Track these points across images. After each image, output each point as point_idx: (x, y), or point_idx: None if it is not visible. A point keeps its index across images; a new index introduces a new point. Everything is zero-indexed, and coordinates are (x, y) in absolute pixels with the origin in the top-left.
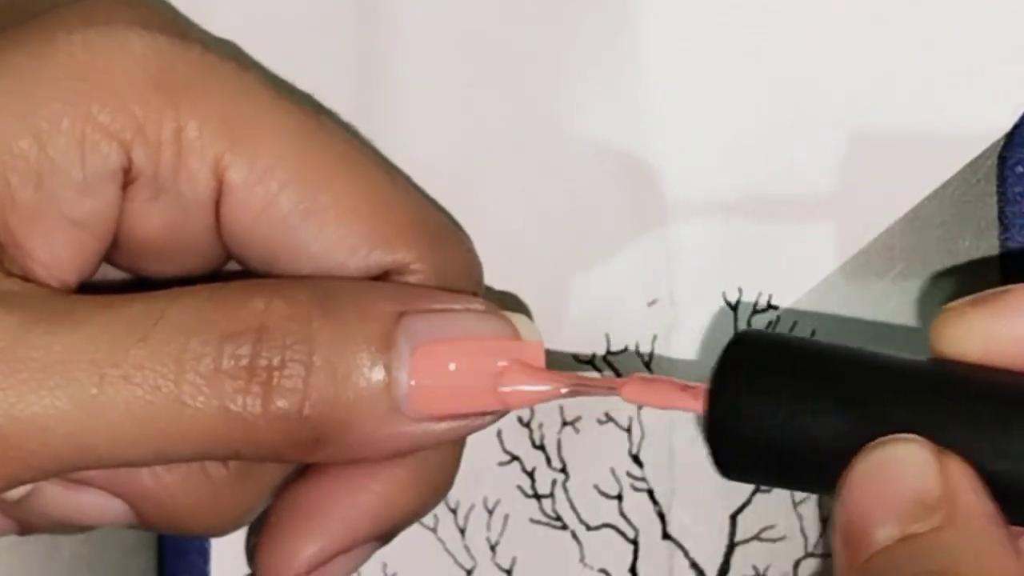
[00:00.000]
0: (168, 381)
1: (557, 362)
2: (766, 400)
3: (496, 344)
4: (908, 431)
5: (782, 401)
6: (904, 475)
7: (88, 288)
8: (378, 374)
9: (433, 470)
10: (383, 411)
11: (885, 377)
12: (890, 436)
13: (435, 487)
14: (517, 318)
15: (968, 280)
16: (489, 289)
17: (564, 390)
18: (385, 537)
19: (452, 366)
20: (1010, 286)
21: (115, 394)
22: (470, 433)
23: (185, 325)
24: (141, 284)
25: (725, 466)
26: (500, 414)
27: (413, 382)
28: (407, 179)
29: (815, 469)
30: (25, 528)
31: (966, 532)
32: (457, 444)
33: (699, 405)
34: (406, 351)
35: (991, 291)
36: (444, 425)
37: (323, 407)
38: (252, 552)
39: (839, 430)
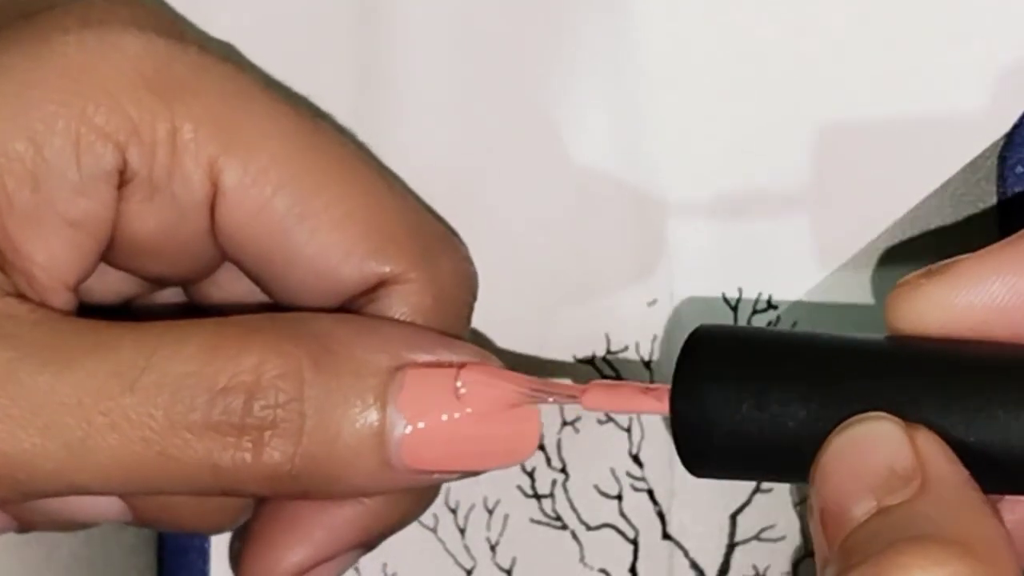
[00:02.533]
0: (155, 434)
1: (557, 362)
2: (728, 394)
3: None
4: (874, 410)
5: (745, 394)
6: (875, 450)
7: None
8: (371, 432)
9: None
10: (374, 468)
11: (847, 359)
12: (858, 416)
13: (421, 498)
14: (513, 376)
15: None
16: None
17: (529, 392)
18: (370, 545)
19: (444, 418)
20: (962, 256)
21: (102, 440)
22: (462, 479)
23: (174, 375)
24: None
25: (694, 465)
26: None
27: (406, 439)
28: (403, 185)
29: (785, 458)
30: (24, 525)
31: (942, 498)
32: None
33: (663, 406)
34: (400, 408)
35: (943, 262)
36: (435, 475)
37: (312, 465)
38: (236, 559)
39: (805, 417)
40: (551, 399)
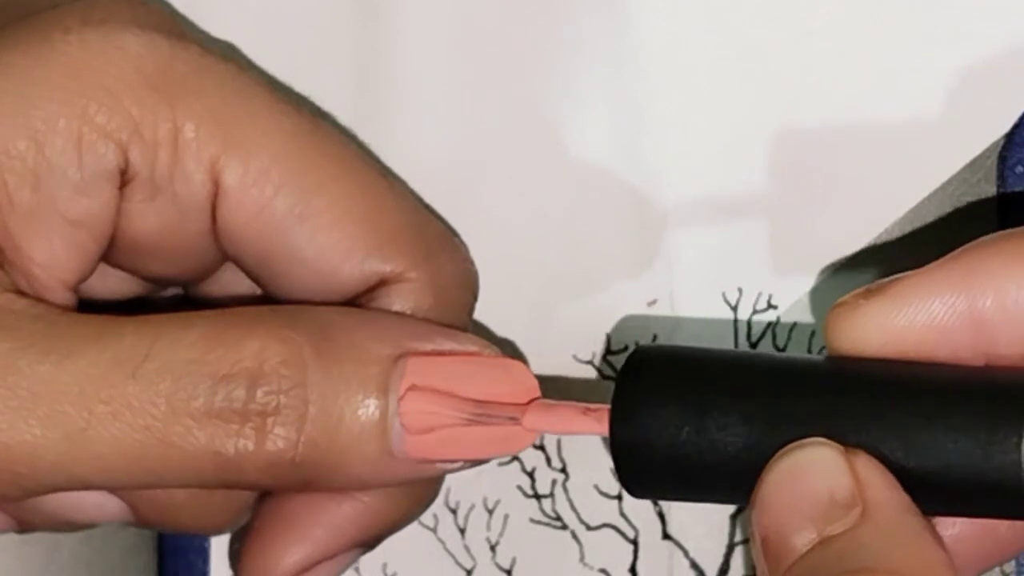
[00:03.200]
0: (158, 421)
1: (557, 363)
2: (667, 417)
3: (490, 390)
4: (814, 434)
5: (684, 417)
6: (815, 478)
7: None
8: (372, 420)
9: (420, 481)
10: (376, 456)
11: (786, 381)
12: (796, 442)
13: (421, 497)
14: (512, 364)
15: None
16: (483, 324)
17: (468, 416)
18: (370, 544)
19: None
20: (902, 274)
21: (103, 430)
22: (463, 469)
23: (177, 363)
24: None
25: (633, 486)
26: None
27: (407, 427)
28: (404, 185)
29: (725, 482)
30: (24, 526)
31: (883, 527)
32: None
33: (603, 428)
34: (401, 396)
35: (882, 281)
36: (437, 465)
37: (315, 454)
38: (235, 558)
39: (745, 441)
40: (490, 421)
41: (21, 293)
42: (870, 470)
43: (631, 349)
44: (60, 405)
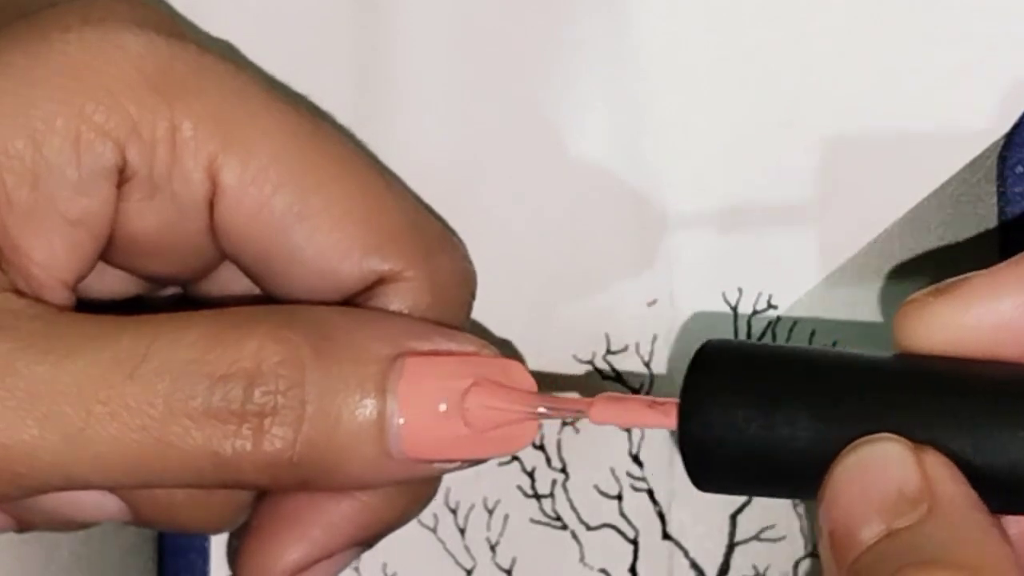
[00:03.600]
0: (155, 422)
1: (557, 363)
2: (736, 413)
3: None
4: (882, 430)
5: (752, 413)
6: (883, 473)
7: (87, 292)
8: (370, 420)
9: (418, 481)
10: (374, 456)
11: (855, 378)
12: (866, 437)
13: (420, 496)
14: (510, 364)
15: None
16: (483, 324)
17: (536, 410)
18: (368, 543)
19: (443, 408)
20: (971, 274)
21: (101, 430)
22: (460, 469)
23: (175, 363)
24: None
25: (700, 480)
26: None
27: (405, 427)
28: (402, 184)
29: (792, 477)
30: (23, 525)
31: (949, 521)
32: None
33: (671, 421)
34: (399, 396)
35: (951, 280)
36: (434, 465)
37: (313, 453)
38: (234, 557)
39: (813, 437)
40: (557, 415)
41: (19, 293)
42: (938, 466)
43: (631, 348)
44: (58, 405)
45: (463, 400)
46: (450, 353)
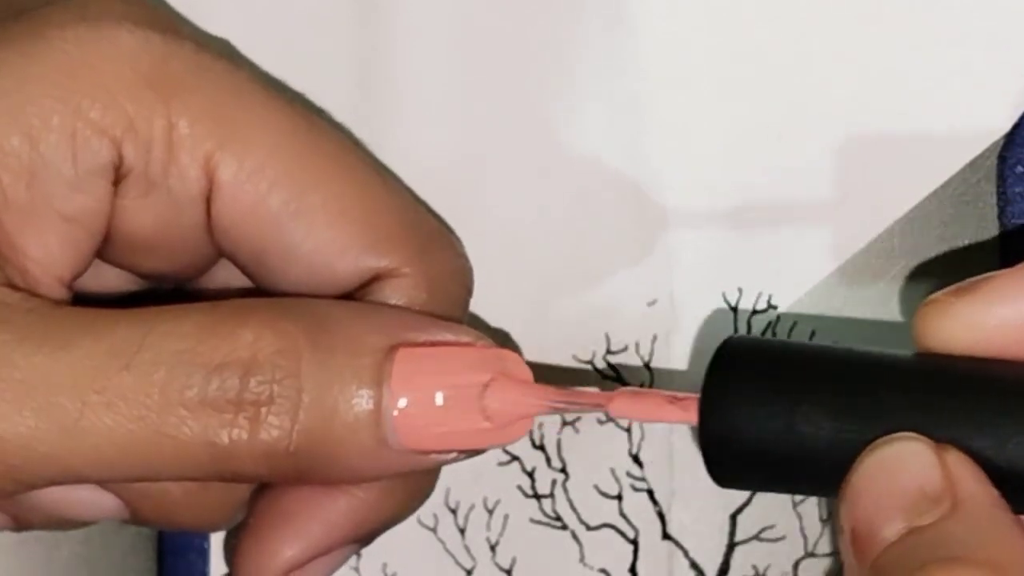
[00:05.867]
0: (151, 412)
1: (557, 362)
2: (757, 410)
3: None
4: (904, 429)
5: (774, 410)
6: (905, 471)
7: (84, 290)
8: (366, 410)
9: (415, 475)
10: (370, 446)
11: (876, 377)
12: (888, 436)
13: (417, 492)
14: (506, 354)
15: None
16: (483, 324)
17: (556, 404)
18: (365, 540)
19: (440, 399)
20: (991, 273)
21: (97, 420)
22: (457, 461)
23: (170, 353)
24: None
25: (720, 476)
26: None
27: (400, 417)
28: (399, 181)
29: (813, 474)
30: (21, 524)
31: (971, 519)
32: None
33: (691, 417)
34: (395, 387)
35: (972, 280)
36: (431, 456)
37: (309, 443)
38: (231, 553)
39: (834, 434)
40: (577, 409)
41: (15, 287)
42: (960, 465)
43: (631, 348)
44: (54, 397)
45: (483, 394)
46: (447, 344)
